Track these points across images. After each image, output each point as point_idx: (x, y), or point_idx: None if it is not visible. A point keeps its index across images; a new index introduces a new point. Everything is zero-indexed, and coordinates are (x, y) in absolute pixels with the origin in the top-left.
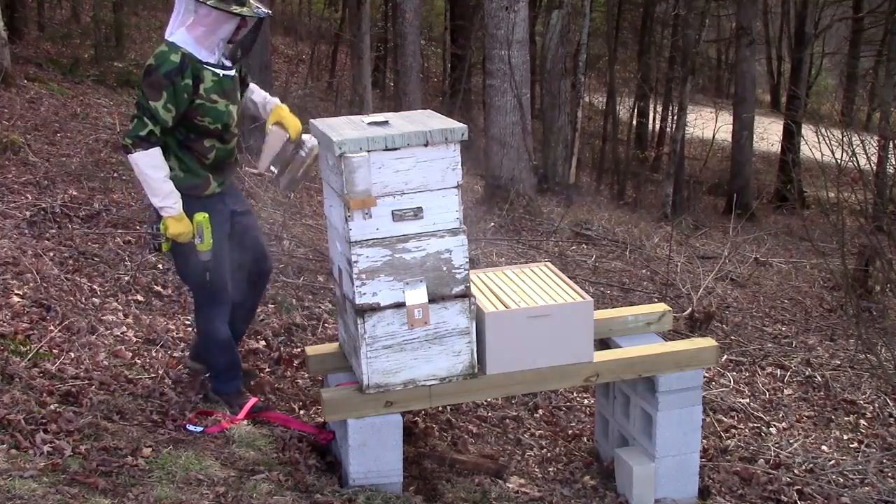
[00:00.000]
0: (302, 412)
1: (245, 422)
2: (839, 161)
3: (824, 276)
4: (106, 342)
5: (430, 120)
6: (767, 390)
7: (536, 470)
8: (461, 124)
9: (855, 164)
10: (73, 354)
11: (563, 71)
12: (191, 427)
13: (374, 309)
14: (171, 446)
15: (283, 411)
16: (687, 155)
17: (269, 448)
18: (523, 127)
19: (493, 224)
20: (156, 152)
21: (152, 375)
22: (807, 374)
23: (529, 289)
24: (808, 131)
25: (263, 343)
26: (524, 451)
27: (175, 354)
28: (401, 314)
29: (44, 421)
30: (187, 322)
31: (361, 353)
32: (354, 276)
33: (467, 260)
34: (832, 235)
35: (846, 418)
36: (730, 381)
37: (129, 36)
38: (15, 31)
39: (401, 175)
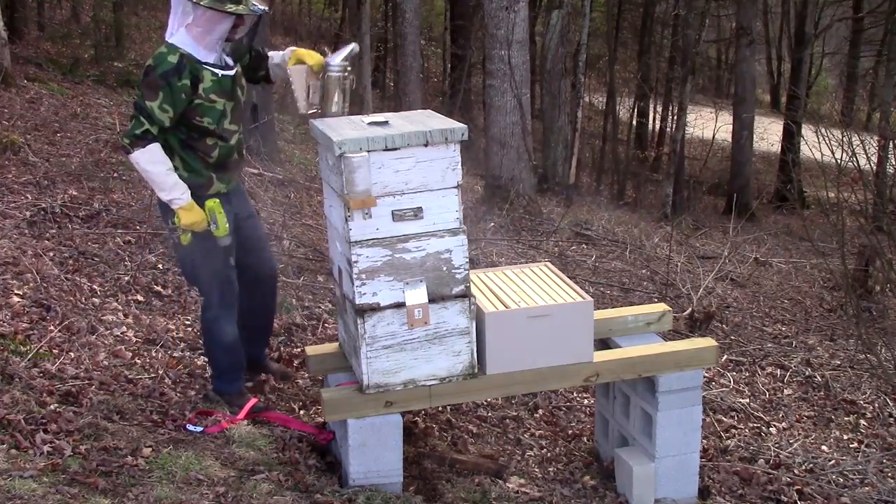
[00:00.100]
0: (302, 412)
1: (245, 422)
2: (839, 161)
3: (824, 276)
4: (106, 342)
5: (430, 120)
6: (767, 390)
7: (536, 470)
8: (461, 124)
9: (855, 164)
10: (73, 354)
11: (563, 71)
12: (191, 427)
13: (374, 309)
14: (171, 446)
15: (283, 411)
16: (687, 155)
17: (269, 448)
18: (523, 127)
19: (493, 224)
20: (154, 148)
21: (152, 375)
22: (807, 374)
23: (529, 289)
24: (808, 131)
25: None
26: (524, 451)
27: (175, 354)
28: (401, 314)
29: (44, 421)
30: (187, 322)
31: (361, 353)
32: (354, 276)
33: (467, 260)
34: (832, 235)
35: (846, 418)
36: (730, 381)
37: (129, 36)
38: (15, 31)
39: (401, 175)
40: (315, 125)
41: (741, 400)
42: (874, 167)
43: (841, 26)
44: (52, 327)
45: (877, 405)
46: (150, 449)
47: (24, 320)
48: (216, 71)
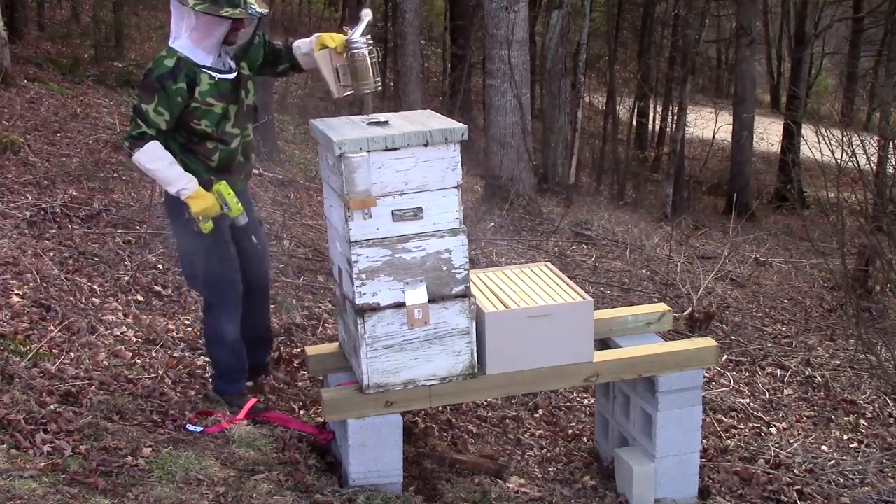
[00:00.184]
0: (302, 412)
1: (245, 422)
2: (839, 161)
3: (824, 276)
4: (106, 342)
5: (430, 120)
6: (767, 390)
7: (536, 470)
8: (461, 124)
9: (855, 164)
10: (73, 354)
11: (563, 71)
12: (191, 427)
13: (374, 309)
14: (171, 446)
15: (283, 411)
16: (687, 155)
17: (269, 448)
18: (523, 127)
19: (493, 224)
20: (152, 146)
21: (152, 375)
22: (807, 374)
23: (529, 289)
24: (808, 131)
25: None
26: (524, 451)
27: (175, 354)
28: (401, 314)
29: (44, 421)
30: (187, 322)
31: (361, 353)
32: (354, 276)
33: (467, 260)
34: (832, 235)
35: (846, 418)
36: (730, 381)
37: (129, 36)
38: (15, 31)
39: (401, 175)
40: (315, 125)
41: (741, 400)
42: (874, 167)
43: (841, 26)
44: (52, 327)
45: (877, 405)
46: (150, 449)
47: (24, 320)
48: (213, 74)
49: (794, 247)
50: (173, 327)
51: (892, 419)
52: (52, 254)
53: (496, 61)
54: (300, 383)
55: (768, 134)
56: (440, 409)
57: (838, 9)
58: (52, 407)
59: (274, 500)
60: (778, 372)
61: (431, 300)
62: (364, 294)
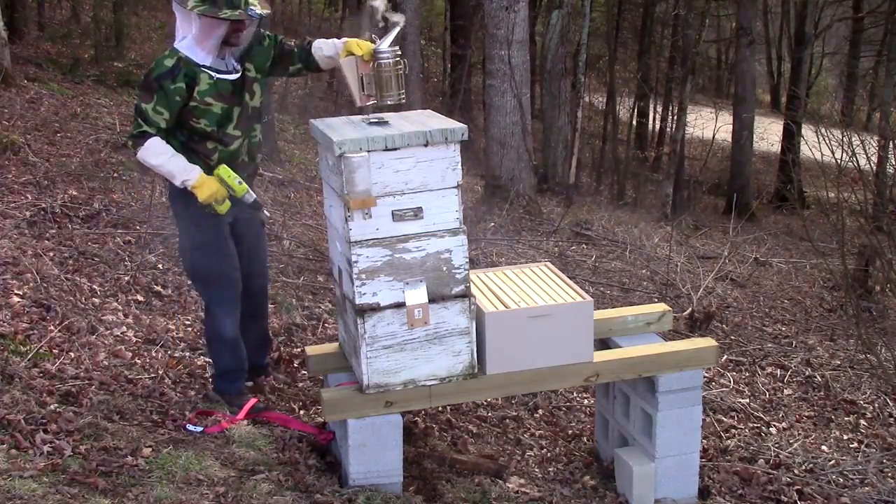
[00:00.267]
0: (302, 412)
1: (245, 422)
2: (839, 161)
3: (824, 276)
4: (106, 342)
5: (430, 120)
6: (767, 390)
7: (536, 470)
8: (461, 124)
9: (855, 164)
10: (73, 354)
11: (563, 71)
12: (191, 427)
13: (374, 309)
14: (171, 446)
15: (283, 411)
16: (687, 155)
17: (269, 448)
18: (523, 127)
19: (493, 224)
20: (153, 142)
21: (152, 375)
22: (807, 374)
23: (529, 289)
24: (808, 131)
25: None
26: (524, 451)
27: (175, 354)
28: (401, 314)
29: (44, 421)
30: (187, 322)
31: (361, 353)
32: (354, 276)
33: (467, 260)
34: (832, 235)
35: (846, 418)
36: (730, 381)
37: (129, 36)
38: (15, 31)
39: (401, 175)
40: (315, 125)
41: (741, 400)
42: (874, 167)
43: (841, 26)
44: (52, 327)
45: (877, 405)
46: (150, 449)
47: (24, 320)
48: (213, 74)
49: (794, 247)
50: (173, 327)
51: (892, 419)
52: (52, 254)
53: (496, 61)
54: (300, 383)
55: (768, 134)
56: (440, 409)
57: (838, 9)
58: (52, 407)
59: (274, 500)
60: (778, 372)
61: (431, 300)
62: (364, 294)
